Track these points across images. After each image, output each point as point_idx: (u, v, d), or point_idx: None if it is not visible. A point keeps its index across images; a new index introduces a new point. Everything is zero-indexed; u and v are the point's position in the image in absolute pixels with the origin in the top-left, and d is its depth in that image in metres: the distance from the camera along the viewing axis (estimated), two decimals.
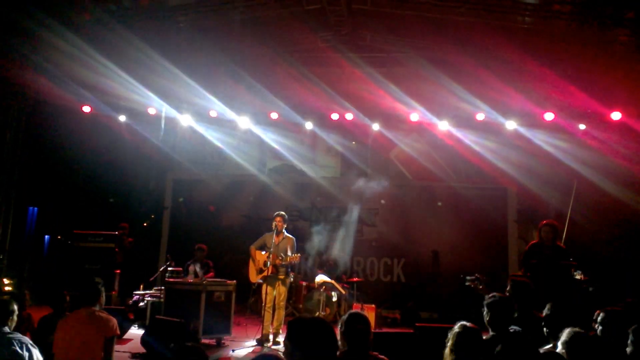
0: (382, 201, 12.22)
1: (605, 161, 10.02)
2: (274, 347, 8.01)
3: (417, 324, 7.49)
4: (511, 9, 8.27)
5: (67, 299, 6.07)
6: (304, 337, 2.87)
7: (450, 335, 3.60)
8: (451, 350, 3.50)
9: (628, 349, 3.82)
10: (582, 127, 10.04)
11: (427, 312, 11.15)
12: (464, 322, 3.63)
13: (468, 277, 10.52)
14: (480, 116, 10.35)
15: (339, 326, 3.56)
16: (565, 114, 9.97)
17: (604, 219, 10.49)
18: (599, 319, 4.26)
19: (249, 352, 7.73)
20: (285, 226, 8.57)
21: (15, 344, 4.32)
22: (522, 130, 10.36)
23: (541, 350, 3.87)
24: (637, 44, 8.40)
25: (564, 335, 3.61)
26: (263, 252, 8.52)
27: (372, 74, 9.76)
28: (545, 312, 4.32)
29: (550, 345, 4.08)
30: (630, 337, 3.95)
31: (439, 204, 12.07)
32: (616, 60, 9.01)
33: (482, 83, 9.44)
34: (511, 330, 4.19)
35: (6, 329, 4.42)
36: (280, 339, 8.26)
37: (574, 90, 9.35)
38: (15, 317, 4.57)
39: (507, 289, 5.16)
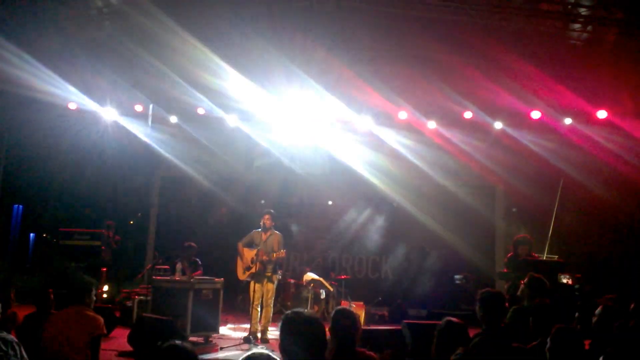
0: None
1: (591, 159, 10.13)
2: (262, 344, 8.00)
3: (404, 321, 7.53)
4: (498, 8, 8.32)
5: (51, 297, 6.01)
6: (298, 331, 2.91)
7: (436, 331, 3.62)
8: (437, 346, 3.52)
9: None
10: (568, 121, 10.11)
11: (415, 309, 11.20)
12: (449, 318, 3.65)
13: (457, 276, 10.62)
14: (468, 115, 10.40)
15: (329, 321, 3.59)
16: (552, 113, 10.06)
17: (589, 217, 10.60)
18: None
19: (238, 351, 7.71)
20: (274, 223, 8.55)
21: (0, 342, 4.27)
22: (509, 129, 10.43)
23: (528, 346, 3.90)
24: (623, 43, 8.49)
25: (553, 332, 3.66)
26: (251, 249, 8.51)
27: (361, 72, 9.76)
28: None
29: (538, 341, 4.12)
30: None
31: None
32: (602, 59, 9.11)
33: (470, 81, 9.50)
34: (503, 326, 4.23)
35: None
36: (268, 336, 8.27)
37: (560, 89, 9.45)
38: None
39: (524, 283, 5.22)
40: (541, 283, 5.17)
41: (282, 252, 8.29)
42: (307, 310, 3.23)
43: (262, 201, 12.18)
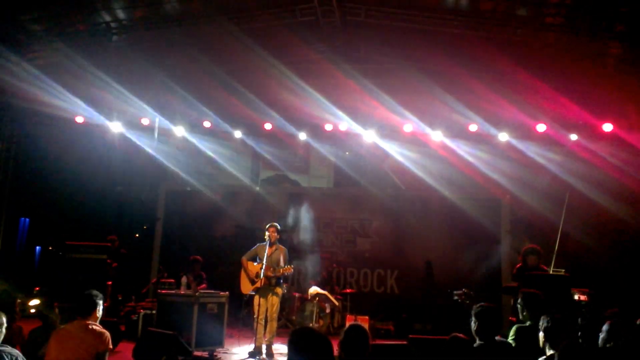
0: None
1: (597, 173, 10.08)
2: (267, 359, 7.95)
3: (410, 336, 7.47)
4: (503, 21, 8.36)
5: (56, 311, 6.01)
6: (306, 346, 2.95)
7: (443, 347, 3.61)
8: None
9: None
10: (573, 137, 10.09)
11: (421, 323, 11.12)
12: (455, 334, 3.64)
13: (455, 292, 10.55)
14: (473, 127, 10.40)
15: (340, 336, 3.59)
16: (557, 126, 10.04)
17: (596, 231, 10.54)
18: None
19: None
20: (278, 237, 8.52)
21: (5, 356, 4.27)
22: (515, 142, 10.42)
23: None
24: (628, 56, 8.50)
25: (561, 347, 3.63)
26: (255, 263, 8.46)
27: (366, 85, 9.80)
28: (541, 324, 4.32)
29: (546, 356, 4.09)
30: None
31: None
32: (607, 72, 9.11)
33: (475, 94, 9.51)
34: (498, 340, 4.21)
35: None
36: (274, 350, 8.22)
37: (565, 102, 9.44)
38: (4, 330, 4.51)
39: (519, 301, 5.17)
40: (535, 298, 5.12)
41: (289, 268, 8.23)
42: (314, 325, 3.25)
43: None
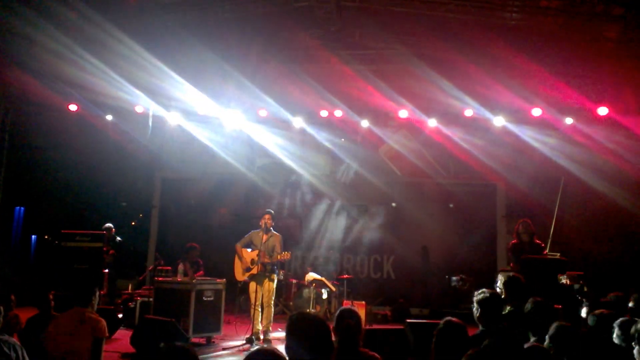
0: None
1: (593, 157, 10.10)
2: (264, 345, 7.98)
3: (407, 320, 7.50)
4: (499, 5, 8.30)
5: (52, 299, 6.00)
6: (304, 333, 2.96)
7: (436, 331, 3.61)
8: (436, 346, 3.50)
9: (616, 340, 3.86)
10: (569, 121, 10.07)
11: (418, 308, 11.18)
12: (449, 318, 3.64)
13: (454, 278, 10.59)
14: (468, 112, 10.36)
15: (333, 321, 3.61)
16: (553, 110, 10.02)
17: (591, 215, 10.58)
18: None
19: (240, 350, 7.71)
20: (273, 224, 8.53)
21: (3, 345, 4.27)
22: (510, 127, 10.40)
23: (525, 346, 3.88)
24: (624, 39, 8.46)
25: (551, 329, 3.64)
26: (249, 250, 8.48)
27: (362, 71, 9.77)
28: (527, 307, 4.32)
29: (532, 340, 4.09)
30: (617, 330, 4.00)
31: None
32: (604, 56, 9.08)
33: (471, 79, 9.48)
34: (500, 327, 4.20)
35: None
36: (270, 336, 8.26)
37: (561, 86, 9.42)
38: (1, 319, 4.51)
39: (498, 284, 5.18)
40: (517, 283, 5.14)
41: (287, 254, 8.25)
42: (313, 311, 3.26)
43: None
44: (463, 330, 3.54)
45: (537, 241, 7.77)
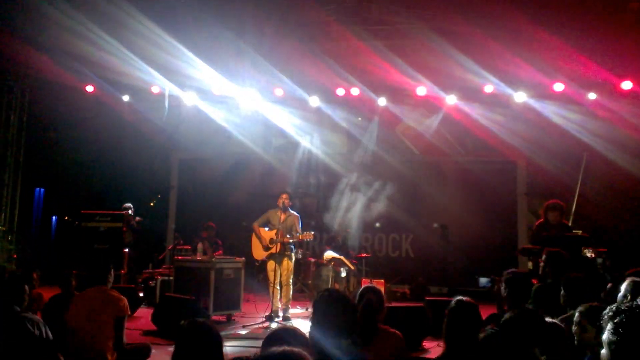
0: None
1: (616, 132, 9.86)
2: (284, 322, 8.03)
3: (426, 298, 7.47)
4: None
5: (74, 278, 6.07)
6: (331, 309, 3.00)
7: (447, 311, 3.57)
8: (447, 325, 3.47)
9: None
10: (592, 96, 9.85)
11: (437, 286, 11.14)
12: (460, 298, 3.60)
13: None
14: (488, 88, 10.18)
15: (356, 298, 3.63)
16: (575, 85, 9.79)
17: (613, 192, 10.37)
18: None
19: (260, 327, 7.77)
20: (291, 204, 8.55)
21: (27, 322, 4.33)
22: (531, 102, 10.19)
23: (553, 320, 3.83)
24: None
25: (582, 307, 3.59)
26: (266, 229, 8.50)
27: (378, 47, 9.60)
28: (563, 282, 4.28)
29: (565, 315, 4.05)
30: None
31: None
32: (627, 28, 8.82)
33: (491, 54, 9.28)
34: (527, 308, 4.16)
35: (17, 308, 4.42)
36: (289, 314, 8.30)
37: (584, 60, 9.19)
38: (26, 297, 4.58)
39: (542, 258, 5.13)
40: (560, 257, 5.08)
41: (311, 235, 8.28)
42: (341, 289, 3.30)
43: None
44: (475, 310, 3.51)
45: (565, 222, 7.62)
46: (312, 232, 8.35)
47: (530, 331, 3.07)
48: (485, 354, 3.26)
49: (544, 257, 5.15)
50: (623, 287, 4.22)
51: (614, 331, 2.08)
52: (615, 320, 2.10)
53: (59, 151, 11.91)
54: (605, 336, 2.11)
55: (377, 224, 12.10)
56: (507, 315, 3.28)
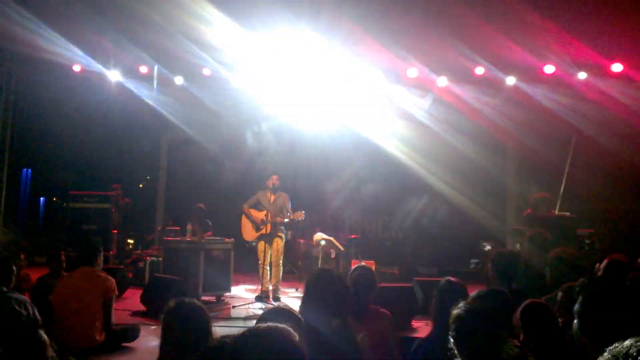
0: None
1: (606, 114, 9.88)
2: (274, 302, 8.06)
3: (415, 278, 7.52)
4: None
5: (63, 259, 6.05)
6: (325, 289, 3.01)
7: (435, 291, 3.60)
8: (436, 305, 3.50)
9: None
10: (582, 76, 9.85)
11: (425, 267, 11.21)
12: (449, 278, 3.64)
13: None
14: (479, 70, 10.15)
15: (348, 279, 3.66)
16: (566, 67, 9.79)
17: (602, 173, 10.43)
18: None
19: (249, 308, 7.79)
20: (280, 185, 8.53)
21: (14, 302, 4.30)
22: (522, 85, 10.18)
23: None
24: None
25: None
26: (257, 210, 8.50)
27: (368, 27, 9.48)
28: (549, 263, 4.30)
29: (550, 295, 4.07)
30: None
31: None
32: (618, 10, 8.80)
33: (482, 36, 9.22)
34: (514, 288, 4.19)
35: (4, 288, 4.39)
36: (279, 295, 8.33)
37: (574, 42, 9.17)
38: (13, 277, 4.54)
39: (526, 239, 5.16)
40: (543, 236, 5.10)
41: (301, 214, 8.27)
42: (334, 269, 3.30)
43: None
44: (463, 290, 3.54)
45: (553, 212, 7.66)
46: (303, 212, 8.34)
47: (494, 311, 3.07)
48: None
49: (527, 237, 5.17)
50: (602, 267, 4.28)
51: (581, 302, 2.21)
52: (583, 293, 2.23)
53: (46, 132, 11.76)
54: (576, 307, 2.22)
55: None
56: (474, 294, 3.30)
